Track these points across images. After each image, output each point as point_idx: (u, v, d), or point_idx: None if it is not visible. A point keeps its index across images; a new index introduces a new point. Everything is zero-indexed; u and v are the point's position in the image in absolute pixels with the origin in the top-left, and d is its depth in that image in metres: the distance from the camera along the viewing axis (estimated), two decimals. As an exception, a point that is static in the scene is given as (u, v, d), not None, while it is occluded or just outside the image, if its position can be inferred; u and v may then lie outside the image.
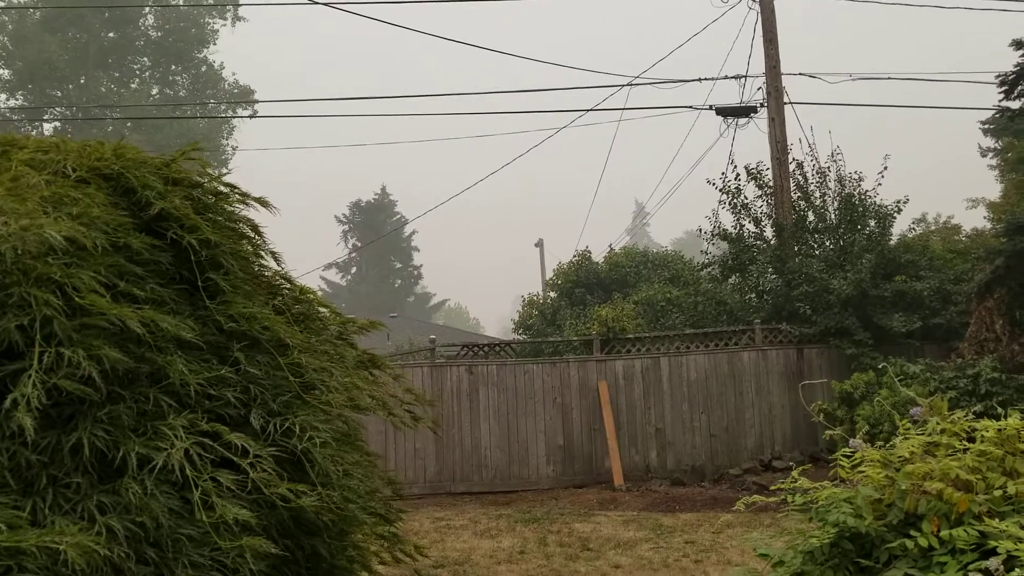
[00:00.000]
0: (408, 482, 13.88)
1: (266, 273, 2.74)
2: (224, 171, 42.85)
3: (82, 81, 41.11)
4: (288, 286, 2.80)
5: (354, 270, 64.88)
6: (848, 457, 3.42)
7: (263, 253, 2.70)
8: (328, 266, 61.53)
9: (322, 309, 2.83)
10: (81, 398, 1.97)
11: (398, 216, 63.67)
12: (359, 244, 62.33)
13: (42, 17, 38.71)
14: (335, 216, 64.99)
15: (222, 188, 2.57)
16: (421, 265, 66.67)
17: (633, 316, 15.64)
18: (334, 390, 2.37)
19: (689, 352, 14.40)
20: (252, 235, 2.64)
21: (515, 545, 9.92)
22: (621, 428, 14.12)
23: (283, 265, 2.76)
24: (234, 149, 42.86)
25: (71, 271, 1.97)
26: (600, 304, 17.69)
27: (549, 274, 25.77)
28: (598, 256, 23.18)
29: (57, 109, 40.95)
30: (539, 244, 40.35)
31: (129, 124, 38.69)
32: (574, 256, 22.73)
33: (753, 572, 3.60)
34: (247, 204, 2.62)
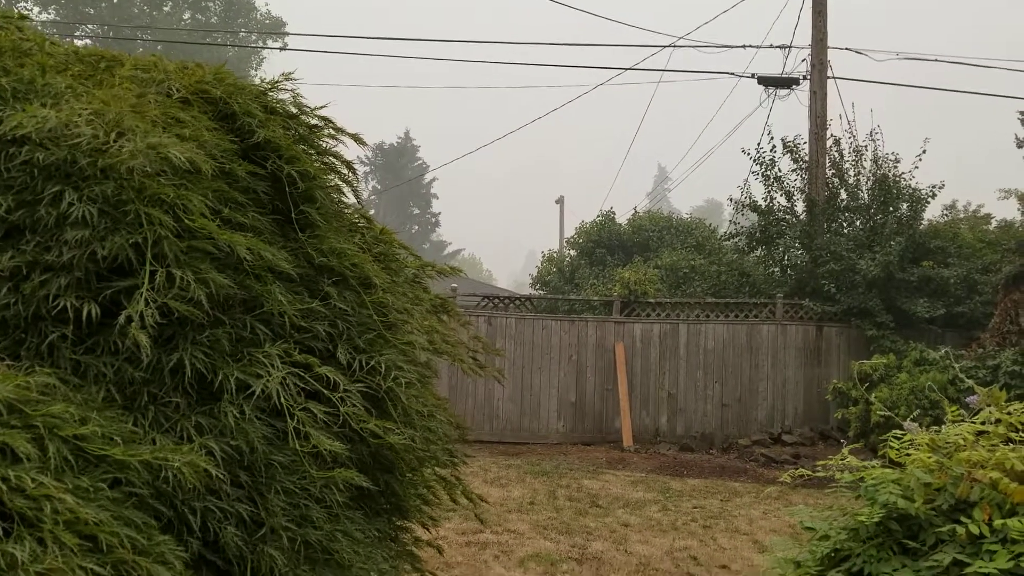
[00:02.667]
0: (420, 426, 14.05)
1: (346, 211, 2.74)
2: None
3: (115, 1, 40.76)
4: (367, 225, 2.80)
5: (372, 212, 64.58)
6: (898, 439, 3.43)
7: (347, 190, 2.69)
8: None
9: (400, 251, 2.83)
10: (182, 320, 1.99)
11: (420, 162, 63.41)
12: (379, 187, 62.16)
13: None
14: (357, 157, 64.69)
15: (316, 121, 2.56)
16: (439, 213, 66.52)
17: (655, 281, 15.62)
18: (415, 331, 2.38)
19: (708, 320, 14.41)
20: (343, 171, 2.63)
21: (525, 496, 10.05)
22: (634, 390, 14.20)
23: (362, 203, 2.76)
24: (263, 82, 42.52)
25: (182, 192, 1.98)
26: (620, 266, 17.66)
27: (569, 232, 25.71)
28: (621, 218, 23.09)
29: (88, 26, 40.63)
30: (560, 201, 40.18)
31: (160, 47, 38.41)
32: (598, 216, 22.63)
33: (794, 541, 3.64)
34: (338, 139, 2.61)
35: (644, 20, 18.18)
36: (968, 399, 3.47)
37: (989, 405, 3.38)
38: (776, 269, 15.74)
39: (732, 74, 16.40)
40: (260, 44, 41.23)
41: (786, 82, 15.82)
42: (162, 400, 1.96)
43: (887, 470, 3.31)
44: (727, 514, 9.54)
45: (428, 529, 3.65)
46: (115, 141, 1.83)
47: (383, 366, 2.25)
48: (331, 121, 2.57)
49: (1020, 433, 3.27)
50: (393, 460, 2.26)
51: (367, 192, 62.66)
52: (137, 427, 1.89)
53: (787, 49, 15.89)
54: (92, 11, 40.30)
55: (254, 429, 1.97)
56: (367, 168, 64.42)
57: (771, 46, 16.16)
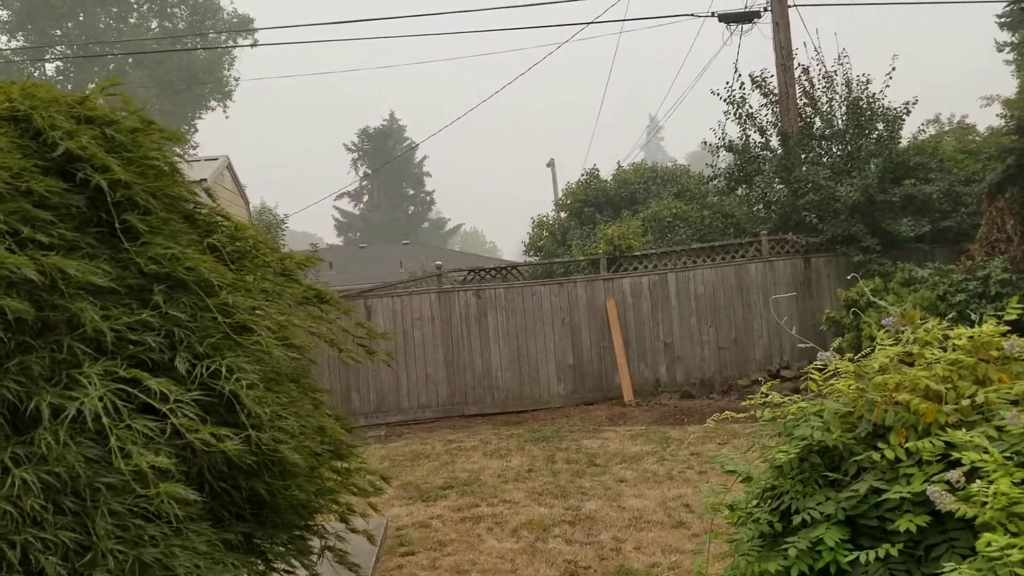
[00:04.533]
0: (421, 406, 14.06)
1: (201, 211, 2.66)
2: (227, 102, 42.36)
3: (81, 18, 40.53)
4: (226, 223, 2.72)
5: (366, 198, 64.67)
6: (820, 370, 3.35)
7: (193, 191, 2.61)
8: (340, 195, 61.34)
9: (260, 246, 2.75)
10: (-10, 350, 1.92)
11: (408, 142, 63.11)
12: (369, 172, 61.94)
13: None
14: (343, 144, 64.47)
15: (140, 125, 2.47)
16: (433, 191, 66.33)
17: (640, 233, 15.50)
18: (266, 330, 2.31)
19: (696, 267, 14.29)
20: (170, 172, 2.55)
21: (523, 464, 10.04)
22: (630, 345, 14.14)
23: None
24: (236, 80, 42.32)
25: (-34, 220, 1.91)
26: (608, 223, 17.53)
27: (560, 194, 25.54)
28: (607, 174, 22.89)
29: (58, 48, 40.46)
30: (550, 164, 39.92)
31: (131, 60, 38.24)
32: (582, 175, 22.46)
33: (722, 488, 3.58)
34: (170, 140, 2.52)
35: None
36: (883, 321, 3.37)
37: (905, 327, 3.29)
38: (759, 207, 15.56)
39: (693, 15, 16.13)
40: (231, 43, 40.92)
41: (747, 16, 15.54)
42: (-26, 435, 1.90)
43: (806, 403, 3.23)
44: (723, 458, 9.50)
45: (366, 517, 3.59)
46: None
47: (224, 369, 2.18)
48: (155, 123, 2.49)
49: (947, 353, 3.17)
50: (249, 465, 2.20)
51: (358, 177, 62.48)
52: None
53: (745, -18, 15.58)
54: (59, 32, 40.06)
55: (73, 454, 1.91)
56: (355, 154, 64.18)
57: (728, -20, 15.84)
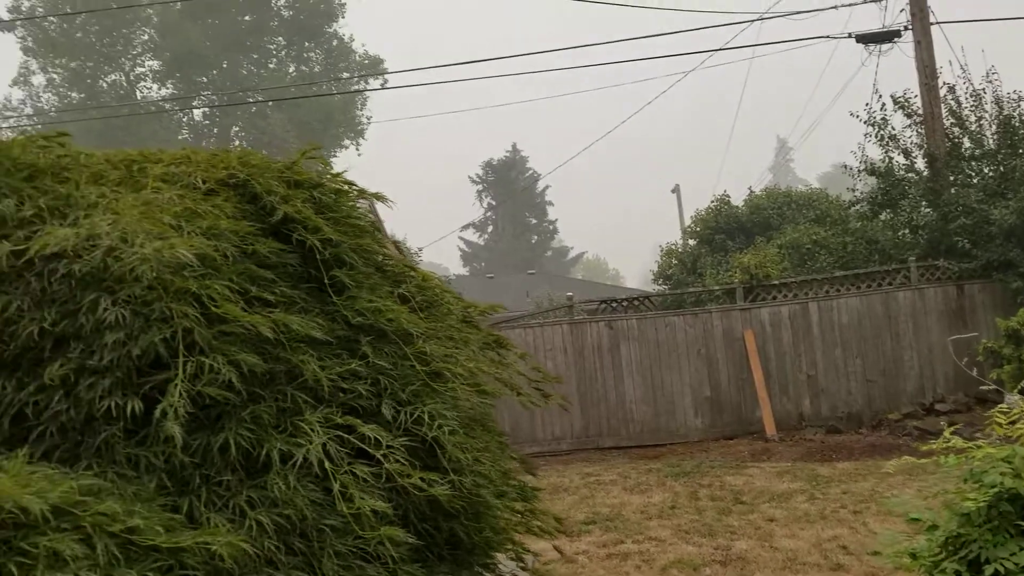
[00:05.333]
0: (555, 438, 14.09)
1: (389, 263, 2.81)
2: (360, 141, 44.05)
3: (224, 66, 43.07)
4: (413, 274, 2.87)
5: (491, 229, 65.71)
6: (1005, 413, 3.20)
7: (387, 245, 2.77)
8: (465, 227, 62.52)
9: (445, 295, 2.88)
10: (225, 400, 2.09)
11: (530, 172, 63.89)
12: (494, 203, 62.95)
13: (183, 8, 40.68)
14: (469, 176, 65.84)
15: (341, 186, 2.65)
16: (556, 220, 66.73)
17: (777, 261, 15.13)
18: (459, 376, 2.42)
19: (839, 296, 13.83)
20: (371, 230, 2.71)
21: (666, 500, 9.91)
22: (770, 377, 13.78)
23: (414, 251, 2.82)
24: (368, 119, 43.99)
25: (206, 282, 2.09)
26: (743, 250, 17.19)
27: (687, 221, 25.25)
28: (738, 200, 22.49)
29: (204, 95, 43.11)
30: (675, 190, 39.53)
31: (270, 104, 40.33)
32: (712, 201, 22.14)
33: (904, 534, 3.45)
34: (366, 198, 2.70)
35: (723, 2, 17.72)
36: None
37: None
38: (905, 231, 14.92)
39: (829, 37, 15.75)
40: (362, 85, 42.62)
41: (886, 36, 15.03)
42: (214, 480, 2.07)
43: (993, 449, 3.09)
44: (879, 496, 9.10)
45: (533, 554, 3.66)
46: (127, 247, 1.96)
47: (427, 416, 2.29)
48: (354, 184, 2.66)
49: None
50: (451, 507, 2.30)
51: (483, 209, 63.59)
52: (192, 510, 2.00)
53: (883, 2, 15.12)
54: (205, 79, 42.69)
55: (301, 497, 2.05)
56: (480, 187, 65.40)
57: (865, 1, 15.42)
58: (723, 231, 20.99)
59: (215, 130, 43.84)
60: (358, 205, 2.68)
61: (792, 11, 16.03)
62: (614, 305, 14.90)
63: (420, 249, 27.83)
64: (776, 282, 14.17)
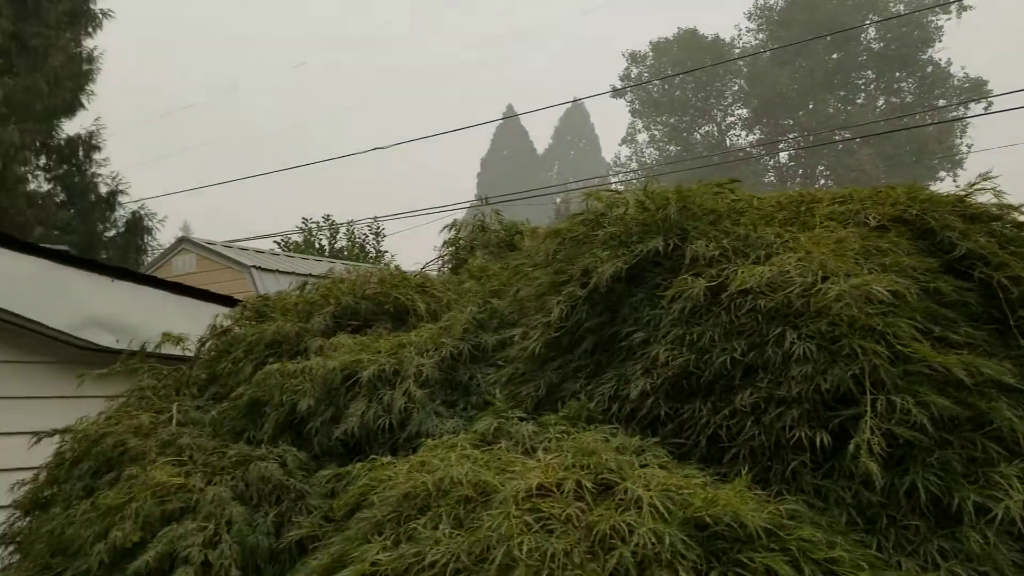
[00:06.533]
0: None
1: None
2: (958, 172, 40.56)
3: (810, 107, 43.36)
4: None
5: None
6: None
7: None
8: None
9: None
10: (909, 443, 2.04)
11: None
12: None
13: (772, 55, 42.06)
14: None
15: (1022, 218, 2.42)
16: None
17: None
18: None
19: None
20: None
21: None
22: None
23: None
24: (968, 148, 40.15)
25: (890, 320, 2.07)
26: None
27: None
28: None
29: (789, 137, 43.92)
30: None
31: (857, 140, 39.37)
32: None
33: None
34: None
35: None
36: None
37: None
38: None
39: None
40: (961, 111, 39.22)
41: None
42: (900, 523, 2.02)
43: None
44: None
45: None
46: (821, 284, 2.02)
47: None
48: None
49: None
50: None
51: None
52: (880, 550, 1.98)
53: None
54: (791, 122, 43.46)
55: (1002, 556, 1.90)
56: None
57: None
58: None
59: (799, 171, 44.30)
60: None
61: None
62: None
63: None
64: None
